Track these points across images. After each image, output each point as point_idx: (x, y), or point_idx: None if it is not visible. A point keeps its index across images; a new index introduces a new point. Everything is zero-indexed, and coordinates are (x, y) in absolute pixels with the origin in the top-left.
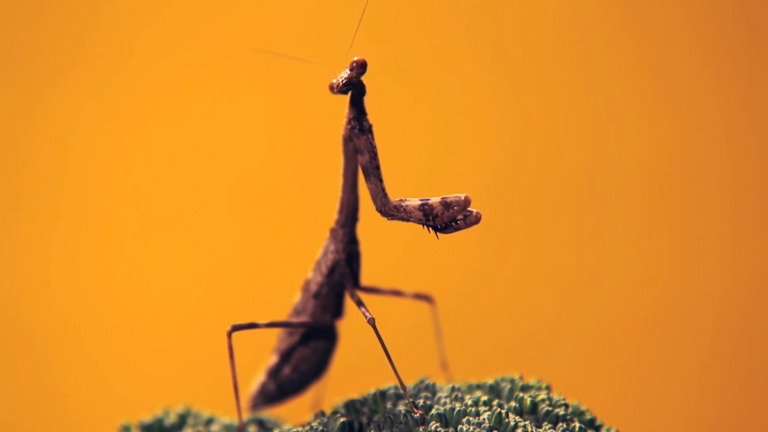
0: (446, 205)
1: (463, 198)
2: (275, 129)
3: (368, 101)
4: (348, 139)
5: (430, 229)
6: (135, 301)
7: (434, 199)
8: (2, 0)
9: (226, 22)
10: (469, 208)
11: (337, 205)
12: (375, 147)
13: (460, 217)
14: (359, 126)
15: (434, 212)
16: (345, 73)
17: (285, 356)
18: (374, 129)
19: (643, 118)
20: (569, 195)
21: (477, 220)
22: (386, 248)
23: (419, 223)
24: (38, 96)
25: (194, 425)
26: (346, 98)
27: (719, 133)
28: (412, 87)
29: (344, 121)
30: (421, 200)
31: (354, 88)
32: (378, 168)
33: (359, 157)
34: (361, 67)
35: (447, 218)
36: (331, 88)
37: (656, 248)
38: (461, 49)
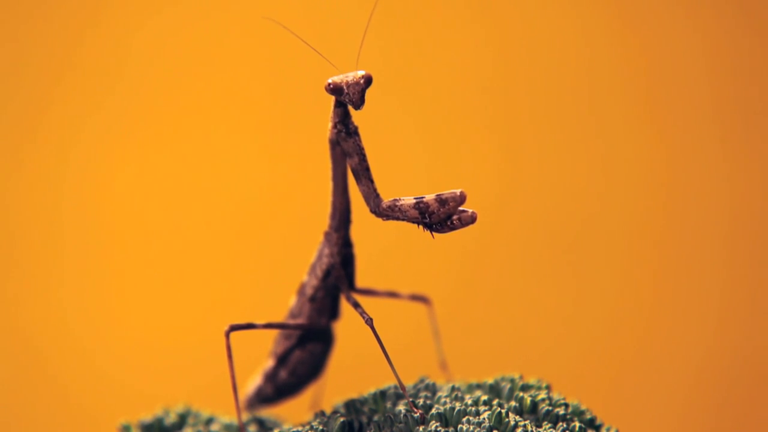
0: (442, 201)
1: (458, 193)
2: (271, 133)
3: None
4: (335, 143)
5: (425, 228)
6: (134, 301)
7: (429, 197)
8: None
9: (223, 29)
10: (464, 207)
11: (329, 209)
12: (363, 149)
13: (455, 216)
14: (345, 129)
15: (430, 209)
16: (357, 85)
17: (281, 360)
18: (362, 131)
19: (643, 121)
20: (568, 194)
21: (472, 219)
22: (381, 250)
23: (414, 223)
24: (43, 100)
25: (194, 425)
26: (331, 101)
27: (716, 136)
28: (401, 87)
29: (329, 125)
30: (415, 198)
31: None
32: (368, 169)
33: (348, 160)
34: (371, 81)
35: (443, 215)
36: (337, 90)
37: (656, 247)
38: (453, 50)
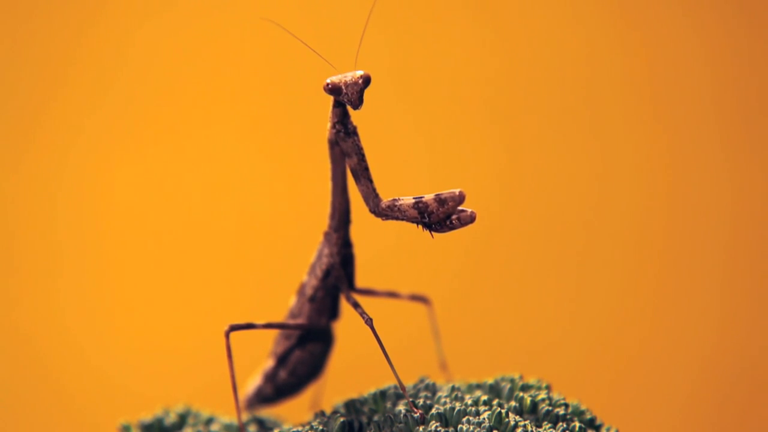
0: (441, 201)
1: (457, 193)
2: (270, 133)
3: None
4: (334, 143)
5: (424, 228)
6: (134, 301)
7: (428, 197)
8: None
9: (222, 29)
10: (463, 207)
11: (328, 209)
12: (362, 148)
13: (454, 216)
14: (344, 129)
15: (429, 209)
16: (356, 85)
17: (281, 360)
18: (361, 131)
19: (644, 121)
20: (568, 194)
21: (471, 219)
22: (381, 250)
23: (413, 222)
24: (40, 101)
25: (194, 425)
26: (330, 101)
27: (718, 137)
28: (400, 87)
29: (328, 125)
30: (414, 198)
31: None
32: (367, 169)
33: (347, 160)
34: (369, 81)
35: (442, 215)
36: (336, 90)
37: (657, 247)
38: (452, 50)
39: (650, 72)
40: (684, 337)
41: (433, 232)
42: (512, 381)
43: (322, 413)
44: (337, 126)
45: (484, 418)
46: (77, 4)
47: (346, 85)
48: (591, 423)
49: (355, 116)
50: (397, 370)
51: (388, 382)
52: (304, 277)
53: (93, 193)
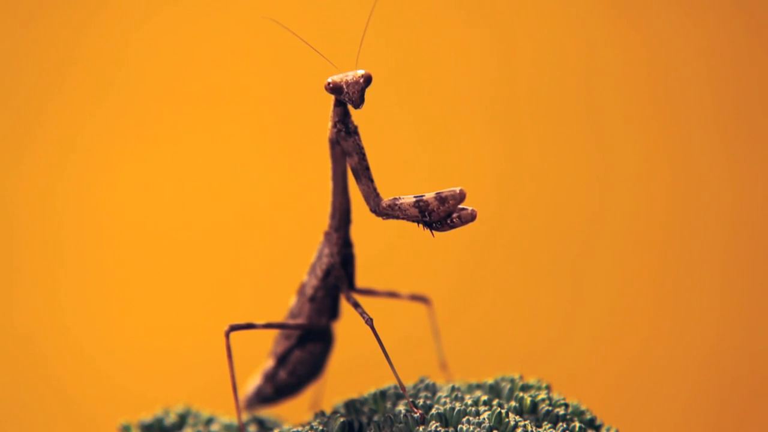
0: (441, 200)
1: (458, 191)
2: (271, 132)
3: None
4: (335, 142)
5: (425, 227)
6: (134, 301)
7: (429, 195)
8: None
9: (223, 28)
10: (464, 205)
11: (329, 209)
12: (363, 148)
13: (455, 215)
14: (345, 128)
15: (430, 208)
16: (357, 84)
17: (281, 360)
18: (362, 130)
19: (643, 121)
20: (568, 194)
21: (472, 217)
22: (381, 250)
23: (414, 221)
24: (41, 101)
25: (194, 425)
26: (331, 100)
27: (717, 136)
28: (401, 86)
29: (329, 124)
30: (415, 197)
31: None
32: (368, 168)
33: (348, 159)
34: (371, 81)
35: (443, 213)
36: (337, 90)
37: (657, 247)
38: (453, 49)
39: (650, 72)
40: (684, 337)
41: (433, 231)
42: (512, 381)
43: (322, 413)
44: (338, 125)
45: (484, 418)
46: (77, 4)
47: (348, 84)
48: (591, 423)
49: (356, 115)
50: (397, 370)
51: (388, 382)
52: (304, 277)
53: (93, 193)
